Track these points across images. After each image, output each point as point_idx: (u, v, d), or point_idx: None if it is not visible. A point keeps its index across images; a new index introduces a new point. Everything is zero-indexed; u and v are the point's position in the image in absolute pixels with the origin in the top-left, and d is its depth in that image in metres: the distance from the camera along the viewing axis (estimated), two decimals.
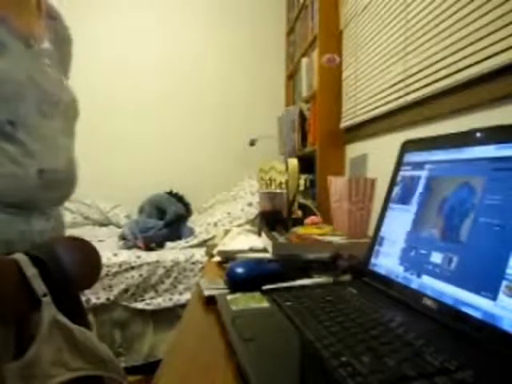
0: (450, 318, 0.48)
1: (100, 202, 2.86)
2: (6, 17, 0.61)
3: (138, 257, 2.00)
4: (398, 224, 0.64)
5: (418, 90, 1.22)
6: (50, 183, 0.63)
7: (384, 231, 0.68)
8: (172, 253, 2.07)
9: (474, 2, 0.95)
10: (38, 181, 0.61)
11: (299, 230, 1.15)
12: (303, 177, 2.09)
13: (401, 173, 0.69)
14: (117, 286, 1.92)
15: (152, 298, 1.96)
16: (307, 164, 2.03)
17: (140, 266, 1.96)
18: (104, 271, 1.90)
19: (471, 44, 0.95)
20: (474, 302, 0.45)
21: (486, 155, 0.51)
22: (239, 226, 2.05)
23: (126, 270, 1.95)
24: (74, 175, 0.72)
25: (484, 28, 0.91)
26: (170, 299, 1.97)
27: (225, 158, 3.11)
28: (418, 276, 0.56)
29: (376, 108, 1.55)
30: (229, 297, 0.64)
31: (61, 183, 0.67)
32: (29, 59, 0.64)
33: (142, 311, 1.94)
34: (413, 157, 0.67)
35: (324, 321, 0.50)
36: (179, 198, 2.44)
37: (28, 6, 0.68)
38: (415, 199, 0.63)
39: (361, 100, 1.72)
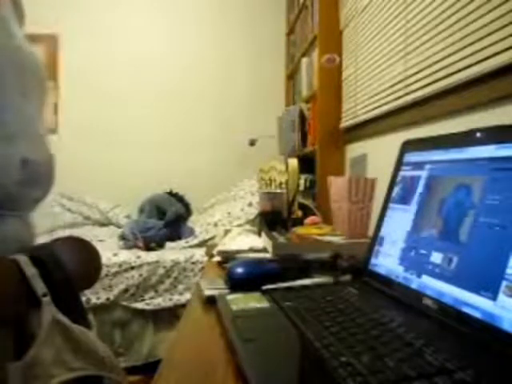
0: (450, 318, 0.48)
1: (100, 202, 2.86)
2: None
3: (138, 257, 2.00)
4: (398, 224, 0.64)
5: (418, 90, 1.22)
6: (32, 177, 0.53)
7: (384, 231, 0.68)
8: (172, 253, 2.07)
9: (474, 1, 0.95)
10: (20, 173, 0.50)
11: (299, 229, 1.15)
12: (303, 177, 2.09)
13: (401, 173, 0.69)
14: (117, 286, 1.92)
15: (152, 297, 1.96)
16: (307, 164, 2.03)
17: (140, 265, 1.96)
18: (104, 271, 1.90)
19: (471, 44, 0.95)
20: (474, 302, 0.45)
21: (485, 155, 0.51)
22: (239, 226, 2.04)
23: (126, 270, 1.95)
24: (54, 171, 0.59)
25: (484, 28, 0.91)
26: (170, 299, 1.97)
27: (225, 158, 3.11)
28: (418, 276, 0.56)
29: (376, 108, 1.55)
30: (229, 297, 0.64)
31: (42, 179, 0.56)
32: None
33: (141, 311, 1.94)
34: (413, 157, 0.67)
35: (324, 321, 0.50)
36: (179, 198, 2.45)
37: None
38: (415, 199, 0.63)
39: (361, 100, 1.71)
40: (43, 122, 0.58)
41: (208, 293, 0.68)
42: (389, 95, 1.43)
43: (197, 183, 2.97)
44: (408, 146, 0.69)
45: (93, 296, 1.88)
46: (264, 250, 0.99)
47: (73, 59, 2.95)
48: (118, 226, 2.70)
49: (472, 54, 0.95)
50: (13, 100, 0.51)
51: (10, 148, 0.49)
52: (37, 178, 0.54)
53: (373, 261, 0.68)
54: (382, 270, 0.65)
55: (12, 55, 0.52)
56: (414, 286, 0.56)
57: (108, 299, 1.90)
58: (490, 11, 0.89)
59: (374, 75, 1.58)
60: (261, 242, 1.08)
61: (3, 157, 0.48)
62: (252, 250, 0.99)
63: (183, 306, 1.90)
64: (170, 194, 2.49)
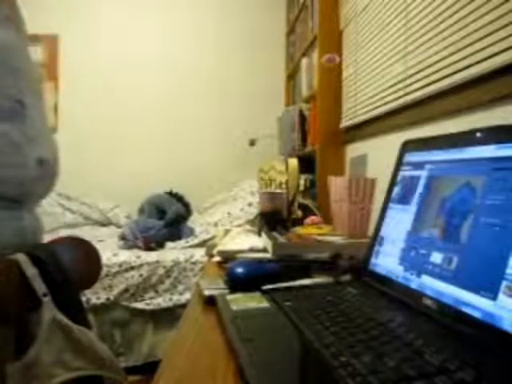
0: (450, 317, 0.48)
1: (100, 202, 2.86)
2: None
3: (138, 257, 2.00)
4: (398, 224, 0.64)
5: (418, 89, 1.22)
6: (44, 174, 0.59)
7: (384, 231, 0.68)
8: (172, 253, 2.07)
9: (474, 1, 0.95)
10: (37, 171, 0.57)
11: (299, 230, 1.15)
12: (303, 177, 2.09)
13: (401, 173, 0.69)
14: (117, 286, 1.92)
15: (152, 298, 1.96)
16: (307, 164, 2.03)
17: (140, 265, 1.96)
18: (104, 271, 1.90)
19: (471, 44, 0.95)
20: (474, 302, 0.45)
21: (486, 155, 0.51)
22: (239, 226, 2.04)
23: (126, 270, 1.95)
24: (59, 167, 0.65)
25: (484, 28, 0.91)
26: (170, 299, 1.97)
27: (225, 158, 3.11)
28: (418, 276, 0.56)
29: (376, 108, 1.55)
30: (229, 297, 0.64)
31: (50, 175, 0.62)
32: (15, 37, 0.59)
33: (141, 311, 1.94)
34: (413, 157, 0.67)
35: (324, 321, 0.50)
36: (179, 198, 2.44)
37: None
38: (415, 199, 0.63)
39: (361, 100, 1.72)
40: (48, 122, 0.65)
41: (208, 293, 0.68)
42: (389, 95, 1.43)
43: (197, 183, 2.97)
44: (408, 146, 0.69)
45: (93, 296, 1.88)
46: (264, 250, 0.99)
47: (73, 59, 2.95)
48: (118, 226, 2.70)
49: (472, 54, 0.95)
50: (32, 101, 0.57)
51: (29, 149, 0.55)
52: (47, 175, 0.60)
53: (373, 261, 0.68)
54: (381, 270, 0.65)
55: (26, 59, 0.59)
56: (413, 285, 0.56)
57: (108, 299, 1.90)
58: (489, 11, 0.89)
59: (374, 75, 1.58)
60: (261, 241, 1.08)
61: (23, 157, 0.54)
62: (252, 250, 0.99)
63: (183, 306, 1.90)
64: (170, 194, 2.49)
